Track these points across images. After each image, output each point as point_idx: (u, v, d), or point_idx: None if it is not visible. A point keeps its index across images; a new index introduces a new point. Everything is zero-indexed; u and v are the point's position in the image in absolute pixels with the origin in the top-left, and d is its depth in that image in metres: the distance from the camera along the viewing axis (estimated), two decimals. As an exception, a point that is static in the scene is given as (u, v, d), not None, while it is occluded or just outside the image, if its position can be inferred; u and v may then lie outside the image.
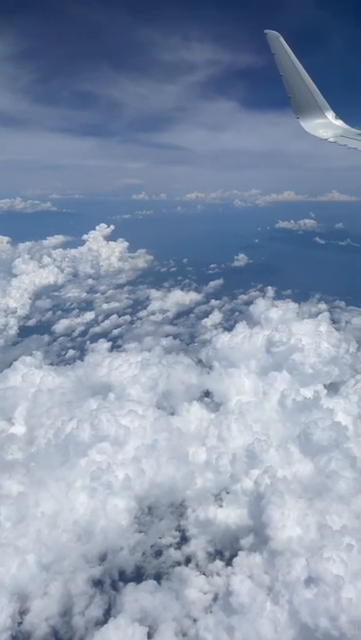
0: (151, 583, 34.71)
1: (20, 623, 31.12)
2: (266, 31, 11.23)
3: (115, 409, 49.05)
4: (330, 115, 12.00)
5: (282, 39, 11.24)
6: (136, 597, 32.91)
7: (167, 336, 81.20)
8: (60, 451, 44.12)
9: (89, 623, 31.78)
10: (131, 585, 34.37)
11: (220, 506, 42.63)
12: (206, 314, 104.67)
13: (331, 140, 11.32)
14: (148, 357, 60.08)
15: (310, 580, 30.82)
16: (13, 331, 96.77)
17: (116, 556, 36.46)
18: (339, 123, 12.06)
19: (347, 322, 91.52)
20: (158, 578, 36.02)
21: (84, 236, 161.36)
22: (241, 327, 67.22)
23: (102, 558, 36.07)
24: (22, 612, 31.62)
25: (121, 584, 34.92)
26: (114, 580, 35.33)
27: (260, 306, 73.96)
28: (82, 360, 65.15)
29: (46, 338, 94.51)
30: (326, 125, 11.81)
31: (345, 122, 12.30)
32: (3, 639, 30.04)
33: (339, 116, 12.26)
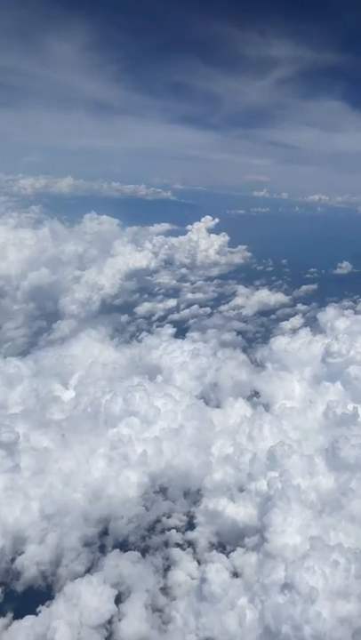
0: (135, 554, 36.22)
1: (13, 560, 34.33)
2: None
3: (155, 390, 51.04)
4: None
5: None
6: (117, 563, 34.65)
7: (233, 331, 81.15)
8: (93, 418, 47.01)
9: (70, 576, 34.06)
10: (116, 551, 36.16)
11: (233, 501, 42.78)
12: (288, 317, 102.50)
13: None
14: (200, 348, 61.06)
15: (286, 587, 30.40)
16: (95, 306, 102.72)
17: (113, 523, 38.42)
18: None
19: None
20: (145, 551, 37.41)
21: (188, 227, 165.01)
22: (304, 333, 65.60)
23: (100, 522, 38.19)
24: (17, 553, 34.76)
25: (109, 548, 36.83)
26: (103, 544, 37.31)
27: (330, 314, 71.28)
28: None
29: (126, 317, 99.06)
30: None
31: None
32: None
33: None
